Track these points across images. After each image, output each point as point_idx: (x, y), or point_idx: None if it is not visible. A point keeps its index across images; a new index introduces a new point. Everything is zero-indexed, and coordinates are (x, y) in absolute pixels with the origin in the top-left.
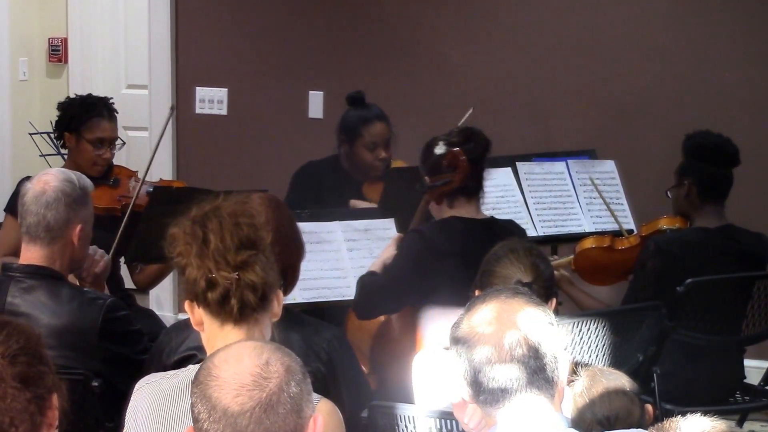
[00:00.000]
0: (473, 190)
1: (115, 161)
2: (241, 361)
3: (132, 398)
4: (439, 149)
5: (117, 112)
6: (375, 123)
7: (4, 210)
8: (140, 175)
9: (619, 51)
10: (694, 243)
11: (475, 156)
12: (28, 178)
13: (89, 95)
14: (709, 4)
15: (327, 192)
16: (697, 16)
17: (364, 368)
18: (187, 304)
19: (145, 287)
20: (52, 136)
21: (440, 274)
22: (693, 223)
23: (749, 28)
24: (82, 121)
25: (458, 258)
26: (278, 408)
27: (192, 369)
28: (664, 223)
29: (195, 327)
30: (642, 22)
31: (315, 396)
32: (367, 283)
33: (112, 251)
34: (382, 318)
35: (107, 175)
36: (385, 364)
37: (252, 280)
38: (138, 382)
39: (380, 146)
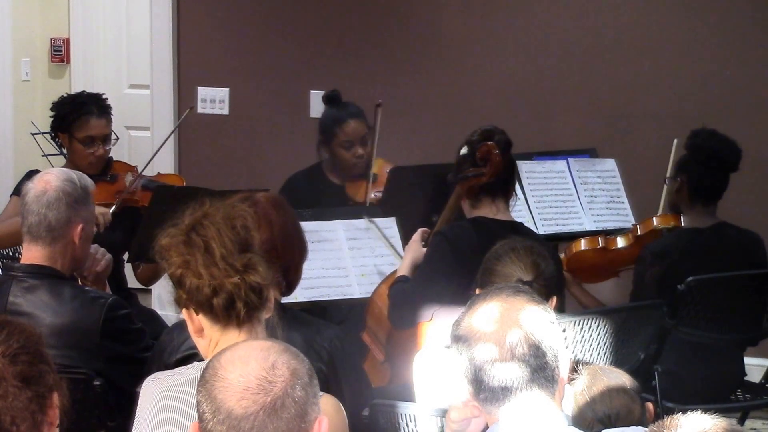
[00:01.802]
0: (497, 189)
1: (117, 160)
2: (247, 363)
3: (140, 395)
4: (463, 150)
5: (111, 108)
6: (348, 121)
7: (11, 194)
8: (139, 171)
9: (620, 50)
10: (688, 246)
11: (503, 154)
12: (36, 171)
13: (80, 93)
14: (709, 4)
15: (311, 201)
16: (698, 16)
17: (379, 356)
18: (185, 313)
19: (146, 283)
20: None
21: (464, 274)
22: (684, 219)
23: (750, 27)
24: (72, 121)
25: (477, 257)
26: (282, 413)
27: (198, 366)
28: (658, 222)
29: (194, 335)
30: (643, 22)
31: (318, 393)
32: (398, 294)
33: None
34: None
35: (105, 170)
36: (400, 354)
37: (257, 281)
38: (145, 380)
39: (356, 144)
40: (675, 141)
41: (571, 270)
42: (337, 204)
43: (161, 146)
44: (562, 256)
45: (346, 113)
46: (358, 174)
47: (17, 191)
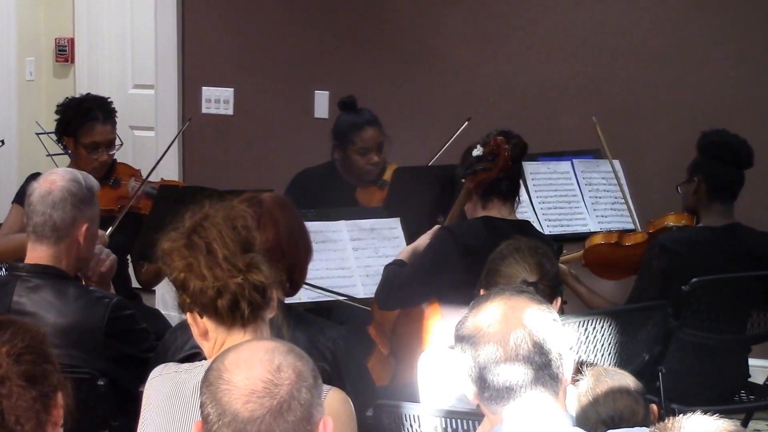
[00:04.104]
0: (508, 191)
1: (121, 161)
2: (252, 366)
3: (146, 388)
4: (477, 151)
5: (116, 112)
6: (366, 128)
7: (12, 202)
8: (143, 175)
9: (623, 51)
10: (699, 242)
11: (514, 153)
12: (37, 174)
13: (86, 97)
14: (712, 4)
15: (321, 199)
16: (702, 16)
17: (384, 350)
18: (188, 317)
19: (149, 285)
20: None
21: (467, 269)
22: (700, 220)
23: (752, 27)
24: (77, 126)
25: (486, 255)
26: (288, 415)
27: (206, 365)
28: (671, 220)
29: (198, 338)
30: (647, 22)
31: (324, 387)
32: (390, 275)
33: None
34: None
35: (108, 175)
36: (404, 347)
37: (260, 280)
38: (153, 371)
39: (372, 151)
40: (594, 118)
41: (588, 263)
42: (347, 205)
43: (163, 154)
44: (580, 252)
45: (363, 120)
46: (371, 180)
47: (19, 198)
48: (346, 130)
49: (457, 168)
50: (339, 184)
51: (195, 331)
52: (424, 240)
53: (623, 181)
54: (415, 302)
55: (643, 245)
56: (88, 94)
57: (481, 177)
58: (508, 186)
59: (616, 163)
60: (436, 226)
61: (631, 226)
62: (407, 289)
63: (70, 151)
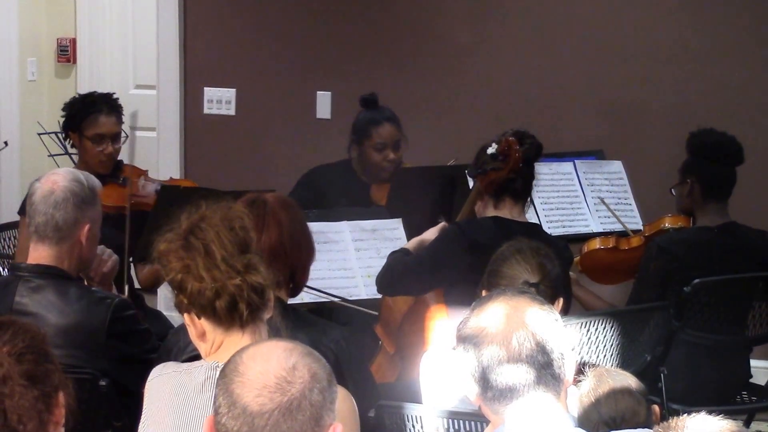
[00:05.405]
0: (520, 192)
1: (125, 162)
2: (268, 361)
3: (146, 388)
4: (491, 149)
5: (121, 107)
6: (384, 124)
7: (18, 212)
8: (150, 174)
9: (626, 51)
10: (696, 242)
11: (527, 155)
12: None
13: (91, 93)
14: (715, 4)
15: (335, 196)
16: (704, 17)
17: (390, 348)
18: (186, 318)
19: (150, 286)
20: (60, 136)
21: (473, 267)
22: (696, 221)
23: (756, 27)
24: (82, 119)
25: (492, 254)
26: (297, 414)
27: (206, 366)
28: (667, 222)
29: (196, 339)
30: (650, 23)
31: (336, 399)
32: (396, 262)
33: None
34: (417, 299)
35: (115, 172)
36: (410, 346)
37: (258, 281)
38: (152, 371)
39: (389, 148)
40: (600, 198)
41: (585, 269)
42: (361, 203)
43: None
44: (576, 258)
45: (382, 116)
46: (385, 178)
47: (23, 209)
48: (365, 125)
49: (469, 167)
50: (353, 182)
51: (192, 332)
52: (431, 233)
53: (622, 183)
54: (414, 292)
55: (640, 248)
56: (94, 91)
57: (491, 177)
58: (522, 186)
59: (619, 164)
60: (444, 223)
61: (636, 227)
62: (408, 277)
63: (76, 148)
